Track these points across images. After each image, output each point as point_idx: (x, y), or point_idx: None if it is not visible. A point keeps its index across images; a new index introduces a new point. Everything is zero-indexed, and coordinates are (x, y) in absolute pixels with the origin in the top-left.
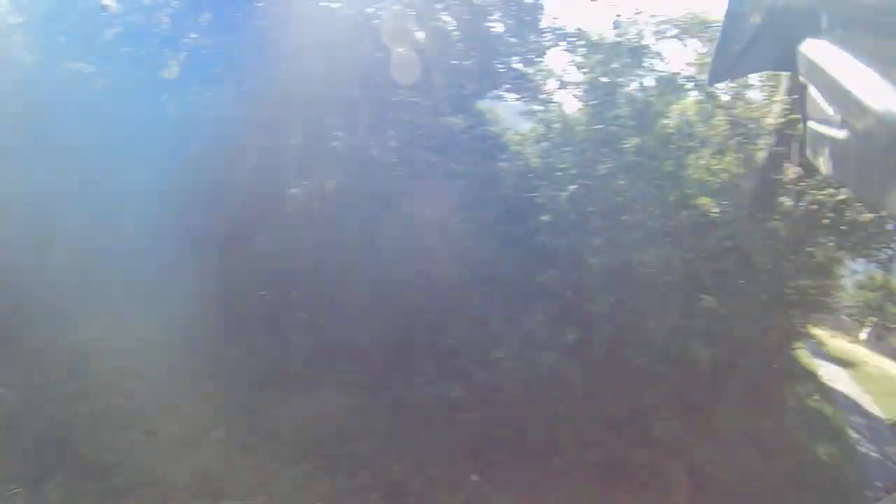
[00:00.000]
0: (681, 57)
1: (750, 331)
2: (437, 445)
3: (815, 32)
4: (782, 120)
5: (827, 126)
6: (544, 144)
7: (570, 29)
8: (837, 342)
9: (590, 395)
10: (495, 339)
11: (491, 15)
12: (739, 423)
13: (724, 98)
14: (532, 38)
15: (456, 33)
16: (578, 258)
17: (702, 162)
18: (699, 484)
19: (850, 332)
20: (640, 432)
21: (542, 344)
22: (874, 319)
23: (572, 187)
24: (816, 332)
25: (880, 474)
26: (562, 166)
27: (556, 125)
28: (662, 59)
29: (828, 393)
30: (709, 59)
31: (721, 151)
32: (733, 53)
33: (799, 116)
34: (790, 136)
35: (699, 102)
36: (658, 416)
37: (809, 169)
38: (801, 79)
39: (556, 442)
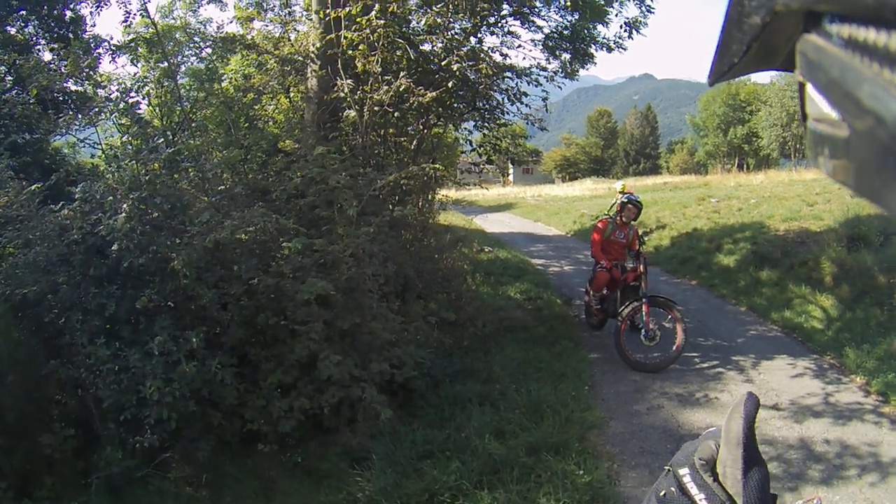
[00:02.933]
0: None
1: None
2: None
3: (815, 30)
4: (320, 45)
5: (826, 126)
6: (100, 168)
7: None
8: (493, 192)
9: (252, 378)
10: (140, 376)
11: (37, 45)
12: (424, 311)
13: (267, 43)
14: (78, 53)
15: (8, 78)
16: (164, 265)
17: (270, 108)
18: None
19: (500, 179)
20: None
21: (177, 357)
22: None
23: (125, 206)
24: (467, 193)
25: (576, 282)
26: (115, 186)
27: (115, 139)
28: (206, 26)
29: (499, 241)
30: (248, 9)
31: (283, 91)
32: (733, 53)
33: (333, 36)
34: (333, 55)
35: (244, 55)
36: (320, 359)
37: (360, 77)
38: (800, 77)
39: (257, 433)
